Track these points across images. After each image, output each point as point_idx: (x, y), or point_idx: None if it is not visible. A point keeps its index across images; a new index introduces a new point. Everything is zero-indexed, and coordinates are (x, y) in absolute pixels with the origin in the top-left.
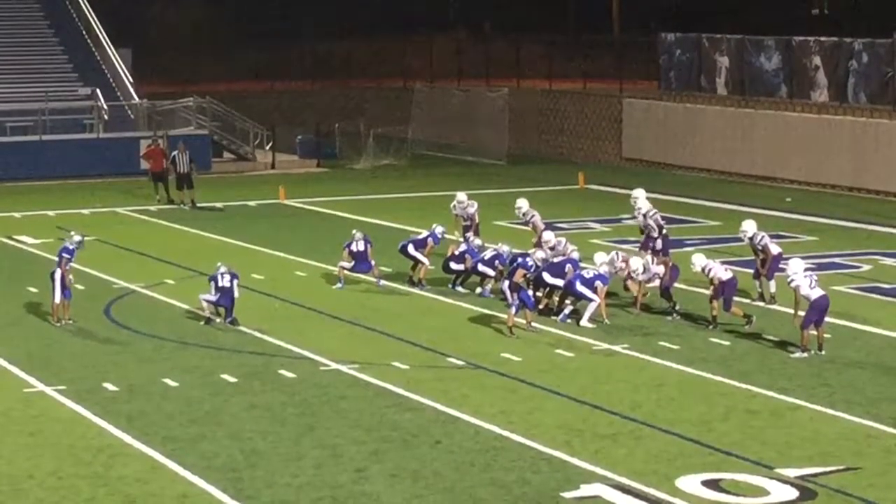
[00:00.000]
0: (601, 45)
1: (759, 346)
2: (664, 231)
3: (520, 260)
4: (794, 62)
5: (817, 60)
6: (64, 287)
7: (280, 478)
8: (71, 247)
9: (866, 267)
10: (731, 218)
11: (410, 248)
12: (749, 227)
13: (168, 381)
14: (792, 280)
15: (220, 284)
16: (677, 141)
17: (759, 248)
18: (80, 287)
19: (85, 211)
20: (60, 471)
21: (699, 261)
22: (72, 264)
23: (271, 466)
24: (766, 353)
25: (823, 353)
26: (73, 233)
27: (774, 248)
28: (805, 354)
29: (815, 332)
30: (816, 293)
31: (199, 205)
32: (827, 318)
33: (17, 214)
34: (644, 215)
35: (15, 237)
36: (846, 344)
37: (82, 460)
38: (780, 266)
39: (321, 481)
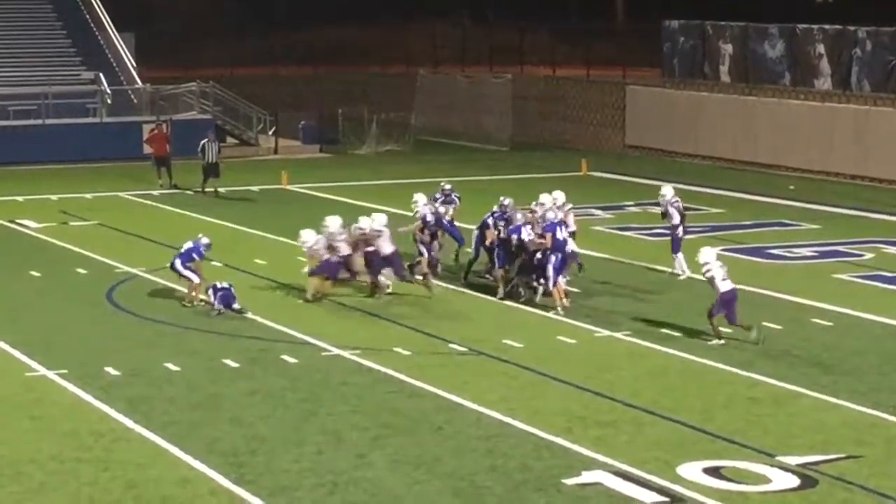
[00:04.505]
0: (605, 32)
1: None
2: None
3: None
4: (798, 50)
5: (821, 48)
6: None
7: (281, 463)
8: (202, 249)
9: (868, 255)
10: (734, 206)
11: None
12: (668, 191)
13: (170, 365)
14: (707, 270)
15: (218, 286)
16: (680, 128)
17: (668, 211)
18: (82, 271)
19: (88, 195)
20: (62, 455)
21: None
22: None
23: (273, 452)
24: (767, 340)
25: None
26: (201, 235)
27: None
28: (721, 342)
29: (741, 325)
30: (726, 286)
31: (199, 188)
32: (830, 306)
33: (19, 198)
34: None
35: (18, 221)
36: (848, 332)
37: (84, 444)
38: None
39: (322, 467)
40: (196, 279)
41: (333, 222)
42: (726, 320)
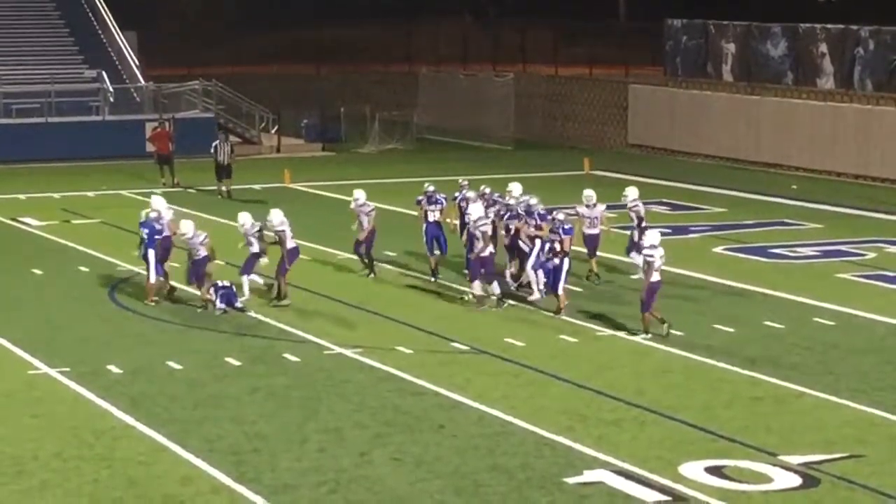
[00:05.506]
0: (607, 31)
1: (764, 334)
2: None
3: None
4: (801, 49)
5: (823, 47)
6: (158, 264)
7: (283, 461)
8: (157, 227)
9: (871, 254)
10: (737, 205)
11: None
12: (631, 192)
13: (172, 363)
14: (650, 255)
15: (220, 285)
16: (683, 127)
17: (634, 214)
18: (84, 269)
19: (90, 193)
20: (64, 452)
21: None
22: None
23: (274, 450)
24: (770, 340)
25: (667, 335)
26: (141, 213)
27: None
28: (649, 335)
29: (654, 316)
30: (656, 276)
31: (201, 188)
32: (832, 306)
33: (22, 196)
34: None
35: (20, 219)
36: (851, 331)
37: (86, 442)
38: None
39: (324, 465)
40: (153, 278)
41: (187, 226)
42: (642, 309)
